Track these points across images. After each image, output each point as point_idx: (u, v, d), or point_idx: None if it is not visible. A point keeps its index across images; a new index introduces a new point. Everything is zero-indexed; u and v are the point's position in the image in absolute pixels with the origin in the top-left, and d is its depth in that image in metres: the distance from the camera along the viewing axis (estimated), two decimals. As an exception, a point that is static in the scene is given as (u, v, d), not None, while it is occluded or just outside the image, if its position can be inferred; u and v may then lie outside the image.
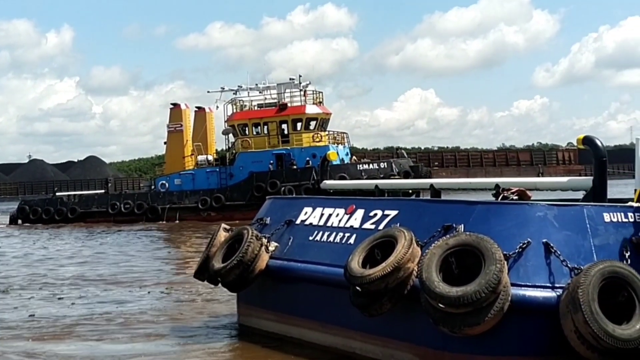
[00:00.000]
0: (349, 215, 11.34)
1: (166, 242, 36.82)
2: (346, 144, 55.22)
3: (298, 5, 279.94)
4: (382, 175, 45.80)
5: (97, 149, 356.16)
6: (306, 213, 12.22)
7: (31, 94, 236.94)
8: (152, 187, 57.68)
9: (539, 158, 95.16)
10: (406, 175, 47.22)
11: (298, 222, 12.23)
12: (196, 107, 57.34)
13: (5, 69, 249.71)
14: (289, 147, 51.59)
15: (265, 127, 52.51)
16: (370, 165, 50.14)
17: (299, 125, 52.29)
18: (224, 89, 54.91)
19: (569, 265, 8.72)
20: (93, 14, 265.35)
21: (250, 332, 12.92)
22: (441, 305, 8.57)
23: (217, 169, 52.78)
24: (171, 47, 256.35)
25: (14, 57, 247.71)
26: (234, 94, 54.76)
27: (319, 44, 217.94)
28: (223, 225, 13.21)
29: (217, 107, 55.29)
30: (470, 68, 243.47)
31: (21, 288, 20.53)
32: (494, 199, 11.11)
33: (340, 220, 11.42)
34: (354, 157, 56.16)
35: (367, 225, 10.86)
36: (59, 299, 18.22)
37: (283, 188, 47.15)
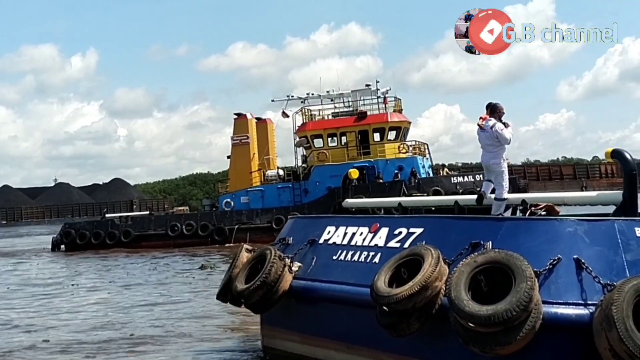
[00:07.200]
0: (373, 234, 11.14)
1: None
2: (427, 156, 49.71)
3: (322, 25, 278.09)
4: (478, 189, 42.78)
5: (121, 171, 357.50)
6: (329, 232, 12.04)
7: (56, 117, 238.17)
8: (213, 206, 51.70)
9: (581, 171, 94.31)
10: None
11: (321, 241, 12.04)
12: (256, 118, 51.75)
13: (31, 93, 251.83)
14: (372, 159, 46.62)
15: (343, 137, 47.63)
16: (466, 178, 45.93)
17: (377, 135, 47.45)
18: (291, 97, 49.72)
19: (601, 281, 8.46)
20: (116, 36, 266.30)
21: (275, 354, 12.73)
22: (471, 325, 8.34)
23: (290, 185, 47.86)
24: (192, 69, 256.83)
25: (39, 81, 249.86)
26: (302, 102, 49.71)
27: (343, 62, 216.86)
28: (245, 245, 13.07)
29: (287, 115, 49.54)
30: (493, 83, 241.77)
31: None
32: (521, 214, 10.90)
33: (364, 239, 11.22)
34: (446, 170, 51.80)
35: (392, 243, 10.65)
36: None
37: None
